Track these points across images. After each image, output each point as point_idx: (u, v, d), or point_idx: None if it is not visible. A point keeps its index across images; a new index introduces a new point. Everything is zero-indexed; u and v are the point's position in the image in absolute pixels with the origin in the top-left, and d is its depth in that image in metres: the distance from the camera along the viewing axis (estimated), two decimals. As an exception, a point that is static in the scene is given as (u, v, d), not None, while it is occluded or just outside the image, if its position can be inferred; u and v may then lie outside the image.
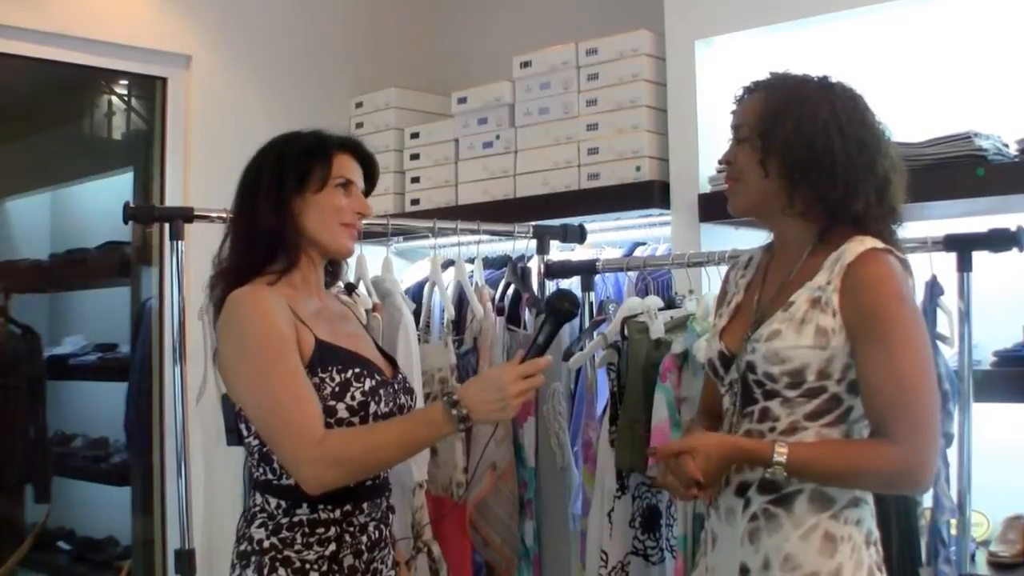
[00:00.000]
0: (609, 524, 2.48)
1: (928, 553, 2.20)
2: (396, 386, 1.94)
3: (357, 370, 1.84)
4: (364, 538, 1.85)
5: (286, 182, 1.88)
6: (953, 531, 2.21)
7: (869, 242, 1.70)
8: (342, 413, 1.80)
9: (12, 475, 4.26)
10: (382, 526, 1.91)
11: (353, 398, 1.81)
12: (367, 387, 1.83)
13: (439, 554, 2.54)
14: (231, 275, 1.88)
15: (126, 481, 4.16)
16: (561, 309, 1.86)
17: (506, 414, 1.78)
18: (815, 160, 1.71)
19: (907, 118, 2.48)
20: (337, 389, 1.80)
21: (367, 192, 2.01)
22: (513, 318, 2.99)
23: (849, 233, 1.73)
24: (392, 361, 2.04)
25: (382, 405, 1.86)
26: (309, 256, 1.92)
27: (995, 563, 2.56)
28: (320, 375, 1.80)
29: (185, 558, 2.35)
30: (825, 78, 1.79)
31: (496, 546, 2.75)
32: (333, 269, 2.06)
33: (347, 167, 1.94)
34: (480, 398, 1.75)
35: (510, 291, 3.05)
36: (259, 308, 1.79)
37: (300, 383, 1.76)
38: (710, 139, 3.05)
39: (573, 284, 3.13)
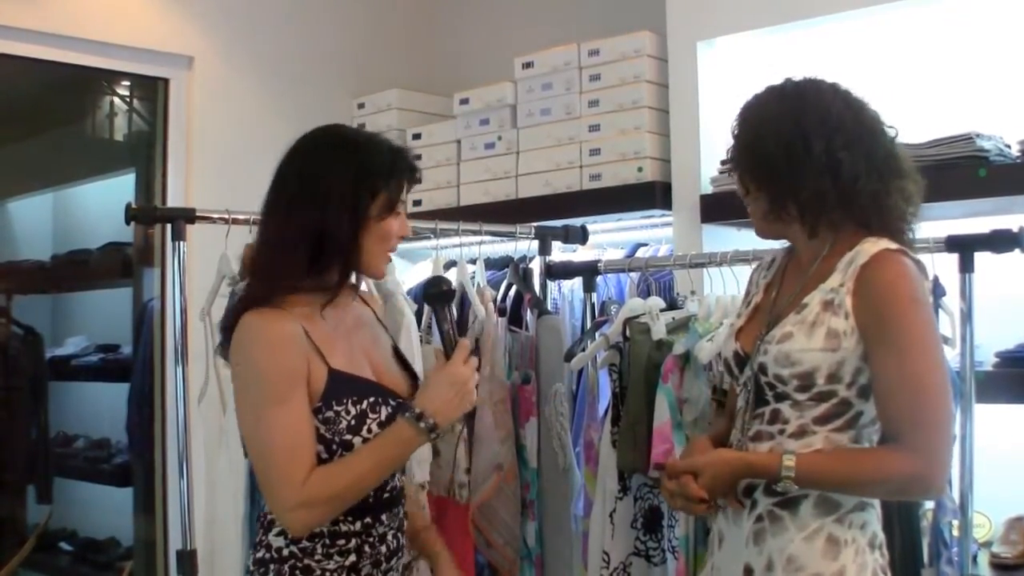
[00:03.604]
0: (611, 525, 2.48)
1: (930, 554, 2.20)
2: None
3: (372, 399, 1.80)
4: (383, 548, 1.85)
5: (362, 203, 1.80)
6: (955, 532, 2.21)
7: (883, 243, 1.68)
8: (359, 447, 1.78)
9: (14, 476, 4.26)
10: (399, 534, 1.90)
11: (370, 430, 1.78)
12: (383, 416, 1.80)
13: (441, 555, 2.54)
14: (263, 289, 1.78)
15: (128, 482, 4.17)
16: (439, 294, 1.92)
17: (467, 403, 1.80)
18: (796, 169, 1.70)
19: (909, 119, 2.47)
20: (353, 423, 1.77)
21: None
22: (515, 319, 2.98)
23: (863, 233, 1.72)
24: (409, 369, 2.00)
25: None
26: None
27: (997, 564, 2.56)
28: (335, 408, 1.76)
29: (187, 559, 2.34)
30: (794, 84, 1.77)
31: (498, 547, 2.75)
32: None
33: (403, 190, 1.88)
34: (440, 401, 1.76)
35: (512, 292, 3.05)
36: (267, 342, 1.74)
37: (297, 428, 1.72)
38: (712, 140, 3.05)
39: (575, 285, 3.14)
